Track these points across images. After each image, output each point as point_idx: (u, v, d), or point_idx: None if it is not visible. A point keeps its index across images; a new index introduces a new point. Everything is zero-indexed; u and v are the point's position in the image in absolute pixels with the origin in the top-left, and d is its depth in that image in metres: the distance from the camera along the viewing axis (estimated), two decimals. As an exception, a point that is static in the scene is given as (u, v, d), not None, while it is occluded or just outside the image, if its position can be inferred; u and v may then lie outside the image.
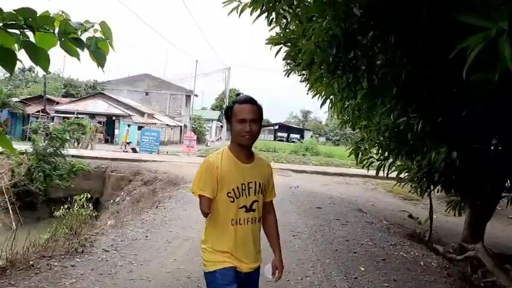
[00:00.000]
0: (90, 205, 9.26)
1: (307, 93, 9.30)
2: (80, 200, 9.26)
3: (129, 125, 29.19)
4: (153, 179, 13.76)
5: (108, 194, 14.65)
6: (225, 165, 2.28)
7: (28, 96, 35.46)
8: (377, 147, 4.81)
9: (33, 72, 70.37)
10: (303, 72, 5.50)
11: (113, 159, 16.10)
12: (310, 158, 28.24)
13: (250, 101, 2.31)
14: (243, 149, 2.34)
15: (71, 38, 2.15)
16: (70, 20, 2.22)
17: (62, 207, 9.23)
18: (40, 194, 13.45)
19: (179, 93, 45.01)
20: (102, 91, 39.07)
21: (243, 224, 2.34)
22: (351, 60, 3.04)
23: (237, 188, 2.30)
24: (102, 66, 2.31)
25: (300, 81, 9.86)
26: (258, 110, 2.32)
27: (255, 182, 2.38)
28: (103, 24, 2.29)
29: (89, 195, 9.37)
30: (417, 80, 2.99)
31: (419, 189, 4.90)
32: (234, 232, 2.31)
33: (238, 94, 2.42)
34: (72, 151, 15.85)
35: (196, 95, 49.93)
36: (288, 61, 4.92)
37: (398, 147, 4.40)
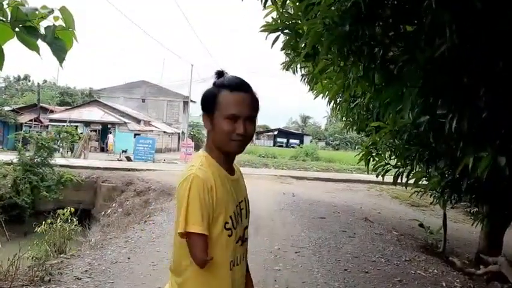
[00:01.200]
0: (75, 219, 8.54)
1: (310, 92, 8.65)
2: (64, 214, 8.55)
3: (110, 132, 28.32)
4: (146, 189, 13.05)
5: (100, 205, 13.92)
6: (218, 182, 1.53)
7: (22, 106, 34.84)
8: (393, 153, 4.10)
9: (29, 81, 69.98)
10: (305, 65, 4.80)
11: (105, 169, 15.37)
12: (310, 164, 27.54)
13: (245, 87, 1.56)
14: (229, 157, 1.62)
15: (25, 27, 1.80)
16: (24, 6, 1.78)
17: (44, 222, 8.52)
18: (27, 207, 12.71)
19: (176, 100, 44.34)
20: (97, 99, 38.40)
21: (240, 263, 1.65)
22: (371, 39, 2.37)
23: (234, 213, 1.58)
24: (61, 62, 1.91)
25: (301, 80, 9.23)
26: (256, 102, 1.60)
27: (245, 199, 1.71)
28: (63, 10, 1.83)
29: (72, 209, 8.64)
30: (457, 62, 2.32)
31: (441, 200, 4.19)
32: (232, 278, 1.58)
33: (220, 72, 1.60)
34: (62, 161, 15.13)
35: (194, 101, 49.26)
36: (287, 51, 4.22)
37: (419, 151, 3.70)
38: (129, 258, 5.02)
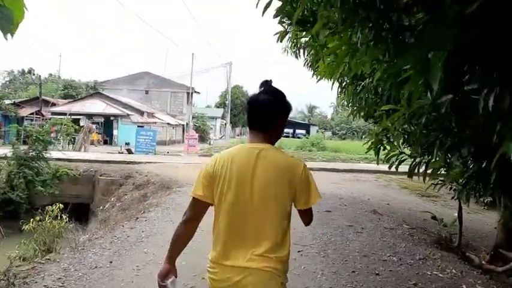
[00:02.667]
0: (65, 216, 8.06)
1: (313, 76, 8.01)
2: (53, 210, 8.08)
3: (90, 121, 27.69)
4: (145, 182, 12.56)
5: (98, 199, 13.47)
6: None
7: (24, 99, 34.47)
8: (407, 140, 3.51)
9: (33, 74, 69.82)
10: (300, 35, 4.20)
11: (103, 162, 14.90)
12: (316, 154, 26.95)
13: None
14: None
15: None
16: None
17: (32, 219, 8.05)
18: (22, 203, 12.27)
19: (180, 91, 43.75)
20: (99, 91, 37.93)
21: None
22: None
23: None
24: (6, 33, 1.69)
25: (304, 65, 8.60)
26: None
27: None
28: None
29: (61, 206, 8.17)
30: (496, 20, 1.75)
31: (464, 194, 3.61)
32: None
33: (269, 82, 2.02)
34: (59, 154, 14.65)
35: (198, 92, 48.77)
36: (282, 19, 3.61)
37: (438, 138, 3.12)
38: (111, 262, 4.49)
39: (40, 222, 7.94)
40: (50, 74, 65.42)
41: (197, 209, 1.99)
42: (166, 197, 9.50)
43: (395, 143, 3.38)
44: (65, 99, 41.13)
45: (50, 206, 8.12)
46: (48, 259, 4.55)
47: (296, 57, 9.20)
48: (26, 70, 71.34)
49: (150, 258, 4.70)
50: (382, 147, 3.96)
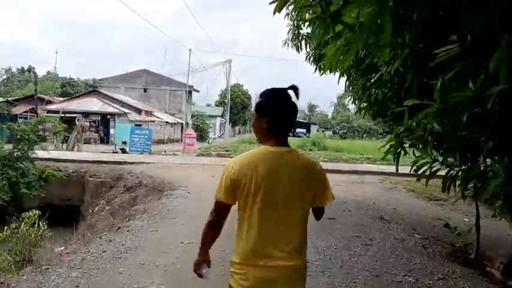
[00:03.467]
0: (42, 224, 7.33)
1: (316, 70, 7.29)
2: (29, 217, 7.36)
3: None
4: (136, 184, 11.84)
5: (88, 202, 12.77)
6: None
7: (18, 97, 33.79)
8: (439, 144, 2.78)
9: (33, 73, 69.20)
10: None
11: (94, 162, 14.17)
12: (318, 153, 26.24)
13: None
14: None
15: None
16: None
17: (6, 227, 7.33)
18: (6, 206, 11.54)
19: (179, 89, 42.97)
20: (96, 89, 37.20)
21: None
22: None
23: None
24: None
25: (306, 59, 7.86)
26: None
27: None
28: None
29: (37, 212, 7.44)
30: None
31: (507, 211, 2.88)
32: None
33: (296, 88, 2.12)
34: (42, 153, 13.92)
35: (197, 90, 48.07)
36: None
37: (482, 141, 2.40)
38: (77, 287, 3.77)
39: (15, 230, 7.23)
40: (48, 72, 64.90)
41: (220, 212, 2.08)
42: (156, 201, 8.79)
43: (428, 148, 2.64)
44: (63, 97, 40.47)
45: (26, 213, 7.38)
46: (2, 283, 3.81)
47: (297, 50, 8.49)
48: (26, 68, 70.84)
49: (125, 281, 3.98)
50: (402, 151, 3.24)
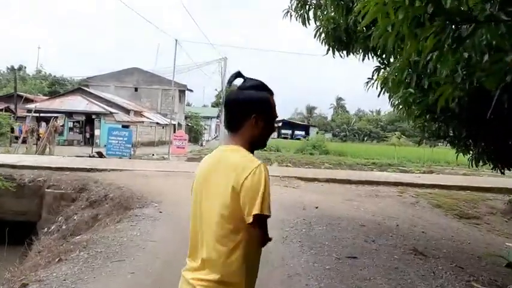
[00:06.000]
0: None
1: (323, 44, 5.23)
2: None
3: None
4: (102, 198, 9.59)
5: (45, 219, 10.50)
6: None
7: (-1, 95, 31.61)
8: None
9: (23, 71, 66.96)
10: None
11: (57, 169, 11.90)
12: (319, 158, 24.08)
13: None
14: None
15: None
16: None
17: None
18: None
19: (171, 88, 40.71)
20: (82, 87, 34.93)
21: None
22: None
23: None
24: None
25: (315, 36, 5.89)
26: None
27: None
28: None
29: None
30: None
31: None
32: None
33: (238, 75, 1.78)
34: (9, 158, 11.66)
35: (191, 90, 45.90)
36: None
37: None
38: None
39: None
40: (39, 71, 62.66)
41: None
42: (112, 225, 6.57)
43: None
44: (50, 96, 38.26)
45: None
46: None
47: (303, 23, 6.30)
48: (16, 67, 68.67)
49: None
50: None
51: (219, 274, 1.58)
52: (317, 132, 56.32)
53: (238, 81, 1.78)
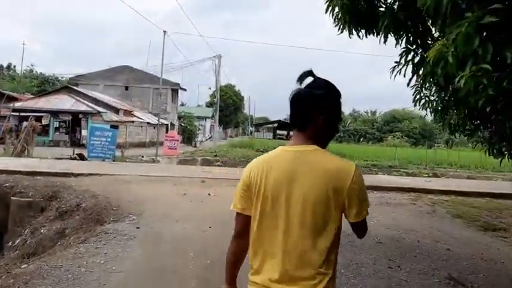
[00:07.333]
0: None
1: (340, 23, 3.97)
2: None
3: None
4: (73, 207, 8.28)
5: (11, 230, 9.16)
6: None
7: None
8: None
9: (12, 70, 65.46)
10: None
11: (28, 173, 10.57)
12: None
13: None
14: None
15: None
16: None
17: None
18: None
19: (164, 87, 39.30)
20: (69, 85, 33.48)
21: None
22: None
23: None
24: None
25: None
26: None
27: None
28: None
29: None
30: None
31: None
32: None
33: (310, 73, 1.74)
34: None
35: (184, 89, 44.57)
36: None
37: None
38: None
39: None
40: (31, 70, 61.13)
41: (240, 223, 1.76)
42: (72, 248, 5.26)
43: None
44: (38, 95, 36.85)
45: None
46: None
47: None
48: (5, 65, 67.06)
49: None
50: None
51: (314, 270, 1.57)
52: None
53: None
